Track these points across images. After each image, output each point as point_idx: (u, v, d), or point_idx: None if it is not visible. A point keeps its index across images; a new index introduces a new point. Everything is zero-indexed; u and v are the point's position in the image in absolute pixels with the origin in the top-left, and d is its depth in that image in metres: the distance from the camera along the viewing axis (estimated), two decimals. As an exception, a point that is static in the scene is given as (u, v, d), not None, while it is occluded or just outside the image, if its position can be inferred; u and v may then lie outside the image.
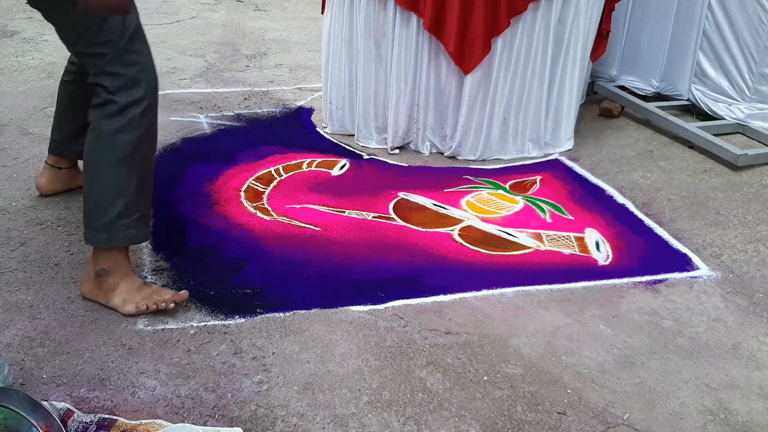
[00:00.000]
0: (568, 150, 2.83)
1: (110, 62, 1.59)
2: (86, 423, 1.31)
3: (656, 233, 2.19)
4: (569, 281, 1.90)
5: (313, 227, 2.12)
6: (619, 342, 1.65)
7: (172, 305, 1.66)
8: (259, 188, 2.36)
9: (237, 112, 3.10)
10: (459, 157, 2.72)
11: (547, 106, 2.75)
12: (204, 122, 2.95)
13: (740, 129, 2.82)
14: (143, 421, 1.32)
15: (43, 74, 3.41)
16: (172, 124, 2.89)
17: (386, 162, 2.67)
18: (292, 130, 2.96)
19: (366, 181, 2.48)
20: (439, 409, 1.40)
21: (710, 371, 1.56)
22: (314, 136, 2.90)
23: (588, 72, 3.09)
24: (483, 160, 2.72)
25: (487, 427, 1.36)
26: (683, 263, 2.02)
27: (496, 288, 1.85)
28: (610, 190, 2.48)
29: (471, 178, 2.55)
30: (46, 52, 3.77)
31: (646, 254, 2.07)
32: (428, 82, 2.64)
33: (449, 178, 2.55)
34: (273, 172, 2.49)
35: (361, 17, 2.62)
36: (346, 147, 2.79)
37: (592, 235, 2.16)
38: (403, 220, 2.20)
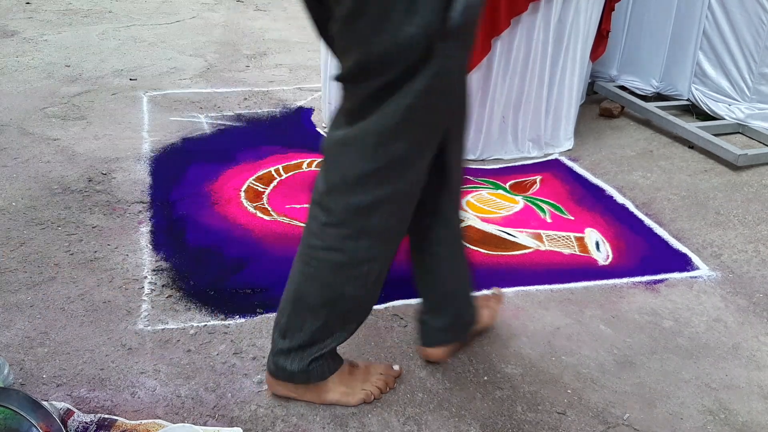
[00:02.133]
0: (568, 150, 2.83)
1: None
2: (86, 423, 1.31)
3: (656, 233, 2.19)
4: (569, 281, 1.90)
5: (313, 227, 2.12)
6: (619, 342, 1.65)
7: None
8: (260, 188, 2.36)
9: (237, 112, 3.10)
10: (459, 157, 2.72)
11: (546, 106, 2.75)
12: (204, 122, 2.95)
13: (740, 129, 2.82)
14: (143, 421, 1.32)
15: (43, 74, 3.41)
16: (172, 124, 2.89)
17: (386, 162, 2.67)
18: (292, 130, 2.96)
19: (366, 181, 2.48)
20: (439, 409, 1.40)
21: (710, 371, 1.56)
22: (314, 136, 2.90)
23: (588, 72, 3.09)
24: (483, 160, 2.72)
25: (487, 427, 1.36)
26: (683, 263, 2.02)
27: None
28: (610, 190, 2.48)
29: (471, 178, 2.55)
30: (46, 52, 3.77)
31: (646, 254, 2.07)
32: (428, 82, 2.63)
33: (449, 178, 2.55)
34: (273, 172, 2.49)
35: (361, 17, 2.62)
36: (346, 147, 2.79)
37: (592, 235, 2.16)
38: (403, 220, 2.20)
